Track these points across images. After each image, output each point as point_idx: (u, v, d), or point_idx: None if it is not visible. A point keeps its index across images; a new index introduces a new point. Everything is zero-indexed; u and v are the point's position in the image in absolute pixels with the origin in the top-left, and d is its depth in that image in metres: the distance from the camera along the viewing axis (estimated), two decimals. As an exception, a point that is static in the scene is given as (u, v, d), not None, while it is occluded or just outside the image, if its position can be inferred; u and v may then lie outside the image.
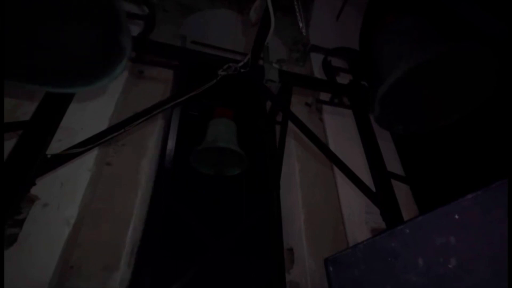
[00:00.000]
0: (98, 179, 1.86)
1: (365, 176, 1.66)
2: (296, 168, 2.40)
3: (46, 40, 0.93)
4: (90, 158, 1.72)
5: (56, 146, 1.27)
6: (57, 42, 0.94)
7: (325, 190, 2.33)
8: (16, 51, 0.91)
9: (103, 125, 1.78)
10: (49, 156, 1.19)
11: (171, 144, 2.08)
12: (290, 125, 2.16)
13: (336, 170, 2.21)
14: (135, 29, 1.97)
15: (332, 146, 2.27)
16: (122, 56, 1.02)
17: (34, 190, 1.19)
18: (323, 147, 1.73)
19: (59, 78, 1.03)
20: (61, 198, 1.56)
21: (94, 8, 0.90)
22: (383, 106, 1.45)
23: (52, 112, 1.28)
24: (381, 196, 1.59)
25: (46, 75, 1.00)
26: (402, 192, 1.99)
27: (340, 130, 2.50)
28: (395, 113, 1.55)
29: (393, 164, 2.31)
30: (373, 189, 1.62)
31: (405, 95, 1.47)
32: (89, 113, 1.85)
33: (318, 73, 2.68)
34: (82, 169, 1.69)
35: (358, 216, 2.11)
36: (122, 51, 1.00)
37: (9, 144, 1.16)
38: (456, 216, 0.66)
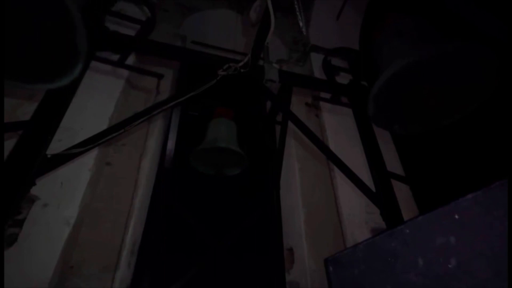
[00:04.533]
0: (98, 179, 1.86)
1: (365, 176, 1.66)
2: (296, 168, 2.40)
3: (16, 39, 0.99)
4: (90, 158, 1.72)
5: (56, 146, 1.27)
6: (23, 42, 1.01)
7: (325, 190, 2.33)
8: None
9: (103, 125, 1.78)
10: (49, 156, 1.19)
11: (171, 144, 2.08)
12: (290, 125, 2.16)
13: (336, 170, 2.20)
14: (135, 29, 1.97)
15: (331, 146, 2.27)
16: (79, 58, 1.10)
17: (34, 190, 1.19)
18: (323, 147, 1.73)
19: (28, 76, 1.10)
20: (61, 198, 1.56)
21: (49, 13, 0.97)
22: (378, 104, 1.44)
23: (52, 112, 1.28)
24: (381, 196, 1.59)
25: (18, 72, 1.07)
26: (402, 192, 1.99)
27: (339, 130, 2.50)
28: (392, 112, 1.55)
29: (393, 164, 2.31)
30: (373, 189, 1.62)
31: (402, 94, 1.46)
32: (89, 113, 1.85)
33: (318, 73, 2.68)
34: (82, 169, 1.69)
35: (358, 216, 2.11)
36: (78, 53, 1.08)
37: (9, 144, 1.16)
38: (456, 216, 0.66)
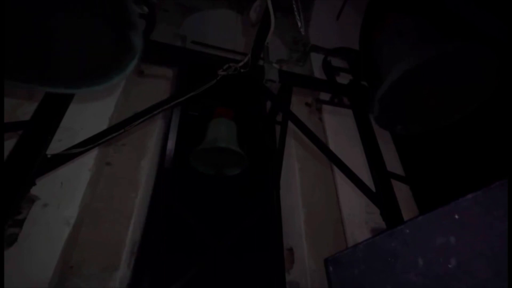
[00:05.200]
0: (98, 179, 1.86)
1: (365, 176, 1.66)
2: (296, 168, 2.40)
3: (56, 40, 0.92)
4: (90, 158, 1.72)
5: (56, 146, 1.26)
6: (67, 41, 0.93)
7: (325, 190, 2.32)
8: (24, 51, 0.91)
9: (103, 125, 1.78)
10: (49, 156, 1.19)
11: (171, 144, 2.08)
12: (290, 125, 2.16)
13: (336, 170, 2.20)
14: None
15: (332, 146, 2.27)
16: (133, 54, 1.01)
17: (34, 190, 1.19)
18: (323, 147, 1.73)
19: (69, 79, 1.02)
20: (61, 198, 1.56)
21: (106, 7, 0.88)
22: (382, 106, 1.45)
23: (52, 112, 1.28)
24: (381, 196, 1.59)
25: (55, 76, 1.00)
26: (402, 192, 1.99)
27: (340, 130, 2.50)
28: (395, 113, 1.55)
29: (393, 164, 2.31)
30: (373, 189, 1.62)
31: (405, 95, 1.47)
32: (89, 113, 1.84)
33: (318, 73, 2.68)
34: (82, 169, 1.68)
35: (358, 216, 2.11)
36: (133, 49, 0.99)
37: (9, 144, 1.16)
38: (456, 216, 0.66)
